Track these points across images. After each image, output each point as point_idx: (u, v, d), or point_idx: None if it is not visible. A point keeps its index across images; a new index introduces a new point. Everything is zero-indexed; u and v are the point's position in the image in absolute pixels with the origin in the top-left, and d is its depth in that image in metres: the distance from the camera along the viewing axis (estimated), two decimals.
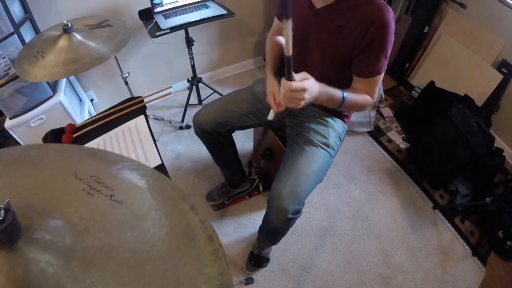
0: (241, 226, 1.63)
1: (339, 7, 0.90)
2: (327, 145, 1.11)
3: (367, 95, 1.00)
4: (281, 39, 1.24)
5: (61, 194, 0.42)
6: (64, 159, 0.49)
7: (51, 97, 1.56)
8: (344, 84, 1.04)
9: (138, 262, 0.37)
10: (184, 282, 0.36)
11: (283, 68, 0.83)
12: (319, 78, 1.08)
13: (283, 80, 0.84)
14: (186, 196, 0.45)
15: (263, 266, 1.46)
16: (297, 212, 1.08)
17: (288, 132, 1.24)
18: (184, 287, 0.36)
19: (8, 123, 1.49)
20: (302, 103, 0.85)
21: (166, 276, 0.36)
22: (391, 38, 0.88)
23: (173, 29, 1.61)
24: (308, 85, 0.83)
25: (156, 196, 0.45)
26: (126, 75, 1.70)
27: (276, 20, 1.22)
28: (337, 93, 0.94)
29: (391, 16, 0.86)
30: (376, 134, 2.14)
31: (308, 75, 0.86)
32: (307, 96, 0.83)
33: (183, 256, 0.39)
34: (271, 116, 1.08)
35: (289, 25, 0.68)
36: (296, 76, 0.84)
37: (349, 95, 0.96)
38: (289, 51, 0.74)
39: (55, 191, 0.42)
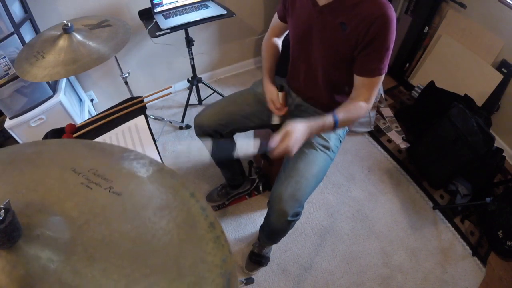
0: (241, 226, 1.63)
1: (342, 4, 0.90)
2: (327, 148, 1.11)
3: (362, 102, 0.98)
4: (278, 41, 1.23)
5: (60, 190, 0.42)
6: (61, 154, 0.48)
7: (51, 97, 1.56)
8: (345, 85, 1.03)
9: (139, 253, 0.36)
10: (187, 271, 0.36)
11: (281, 68, 0.82)
12: (322, 78, 1.09)
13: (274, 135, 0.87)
14: (186, 184, 0.45)
15: (264, 264, 1.46)
16: (297, 215, 1.09)
17: None
18: (187, 276, 0.35)
19: (8, 123, 1.49)
20: (294, 151, 0.88)
21: (168, 265, 0.36)
22: (393, 35, 0.88)
23: (173, 29, 1.61)
24: (292, 143, 0.85)
25: (156, 185, 0.45)
26: (126, 75, 1.71)
27: (275, 18, 1.20)
28: (327, 121, 0.93)
29: (393, 13, 0.86)
30: (376, 134, 2.14)
31: (289, 128, 0.87)
32: (295, 149, 0.87)
33: (184, 244, 0.38)
34: (275, 121, 1.08)
35: None
36: (276, 137, 0.86)
37: (340, 116, 0.94)
38: None
39: (53, 187, 0.42)
